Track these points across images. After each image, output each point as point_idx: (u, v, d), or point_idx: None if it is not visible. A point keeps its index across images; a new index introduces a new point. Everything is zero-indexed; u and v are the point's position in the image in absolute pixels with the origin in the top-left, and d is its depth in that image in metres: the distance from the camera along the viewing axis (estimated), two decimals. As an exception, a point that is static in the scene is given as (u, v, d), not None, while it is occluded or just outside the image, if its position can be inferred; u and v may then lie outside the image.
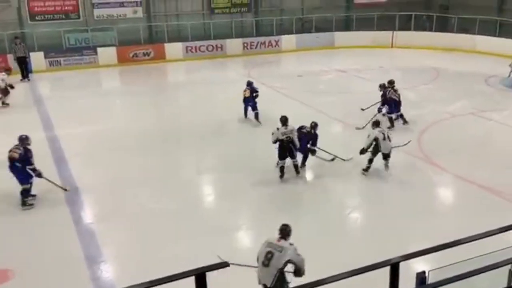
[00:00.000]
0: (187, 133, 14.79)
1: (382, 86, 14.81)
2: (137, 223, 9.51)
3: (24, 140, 10.06)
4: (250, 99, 15.41)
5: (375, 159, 11.40)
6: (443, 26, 27.89)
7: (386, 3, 29.96)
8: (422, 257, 4.21)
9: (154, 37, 26.40)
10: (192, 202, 10.44)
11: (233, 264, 6.90)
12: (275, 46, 27.15)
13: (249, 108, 15.48)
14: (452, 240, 4.01)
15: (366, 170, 11.49)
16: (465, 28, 26.64)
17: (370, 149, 11.32)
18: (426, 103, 17.26)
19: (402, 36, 27.28)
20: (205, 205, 10.84)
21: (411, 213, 9.77)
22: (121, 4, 25.63)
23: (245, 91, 15.44)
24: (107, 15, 25.34)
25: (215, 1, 27.30)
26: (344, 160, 12.16)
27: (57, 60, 23.52)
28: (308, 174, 12.01)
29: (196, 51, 25.74)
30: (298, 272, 5.99)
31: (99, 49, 24.17)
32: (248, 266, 6.43)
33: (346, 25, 29.39)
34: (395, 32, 27.59)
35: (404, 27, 27.94)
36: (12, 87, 17.51)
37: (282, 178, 11.30)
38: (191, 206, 10.23)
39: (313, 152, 11.75)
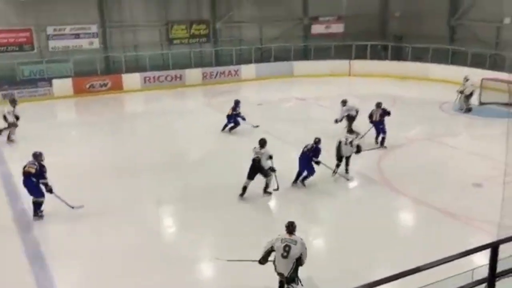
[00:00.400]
0: (146, 164, 14.39)
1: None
2: (95, 259, 9.09)
3: (38, 156, 10.72)
4: (232, 116, 17.45)
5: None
6: (398, 55, 28.71)
7: (342, 33, 30.65)
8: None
9: (111, 67, 26.10)
10: (153, 235, 10.14)
11: (231, 260, 8.07)
12: (234, 75, 27.25)
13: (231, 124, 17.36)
14: (412, 265, 3.94)
15: (334, 172, 12.85)
16: (418, 56, 27.43)
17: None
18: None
19: (359, 64, 27.86)
20: (166, 237, 10.55)
21: (371, 237, 9.74)
22: (77, 36, 25.33)
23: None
24: (62, 47, 24.93)
25: (173, 32, 27.29)
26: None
27: (11, 93, 22.80)
28: (270, 202, 11.91)
29: (154, 81, 25.53)
30: (302, 262, 7.19)
31: (54, 81, 23.66)
32: (246, 260, 7.54)
33: (304, 55, 29.87)
34: (351, 61, 28.16)
35: (360, 56, 28.56)
36: (17, 118, 16.57)
37: (242, 197, 11.58)
38: (152, 239, 9.93)
39: (318, 163, 12.35)
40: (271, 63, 28.18)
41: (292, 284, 7.22)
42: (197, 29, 27.84)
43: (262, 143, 11.92)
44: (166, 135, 17.56)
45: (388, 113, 15.51)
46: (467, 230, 10.05)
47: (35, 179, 10.44)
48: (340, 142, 12.86)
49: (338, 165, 12.90)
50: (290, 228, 7.31)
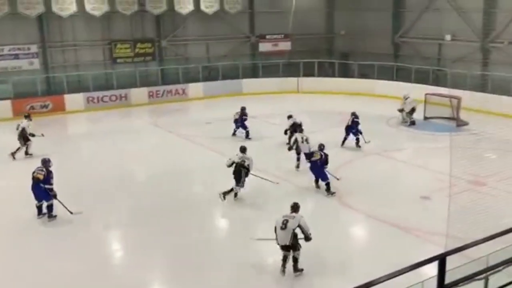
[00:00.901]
0: (91, 187, 13.88)
1: (289, 117, 16.99)
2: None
3: (47, 162, 11.46)
4: (239, 121, 18.79)
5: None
6: (345, 72, 29.10)
7: (290, 51, 30.81)
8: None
9: (53, 88, 25.18)
10: (100, 260, 9.70)
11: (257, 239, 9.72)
12: (182, 94, 26.78)
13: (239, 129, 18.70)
14: (364, 279, 3.82)
15: (297, 166, 14.65)
16: (365, 73, 27.88)
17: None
18: (332, 145, 17.38)
19: (307, 82, 28.01)
20: (114, 262, 10.12)
21: (322, 253, 9.67)
22: (16, 56, 24.35)
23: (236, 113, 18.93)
24: (0, 68, 23.87)
25: (117, 51, 26.64)
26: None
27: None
28: (216, 221, 11.92)
29: (98, 101, 24.75)
30: (307, 236, 8.70)
31: (-8, 103, 22.52)
32: (269, 239, 8.95)
33: (252, 72, 29.78)
34: (300, 78, 28.27)
35: (308, 73, 28.75)
36: (33, 135, 16.64)
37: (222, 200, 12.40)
38: (99, 264, 9.51)
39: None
40: (219, 81, 27.91)
41: (296, 252, 8.70)
42: (141, 47, 27.28)
43: (243, 149, 12.97)
44: (111, 156, 17.07)
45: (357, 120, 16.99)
46: (417, 243, 10.14)
47: (43, 185, 11.13)
48: (296, 141, 14.48)
49: (298, 159, 14.72)
50: (294, 207, 8.98)
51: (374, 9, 29.23)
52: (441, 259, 4.04)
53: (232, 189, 12.51)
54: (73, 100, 24.22)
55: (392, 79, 26.66)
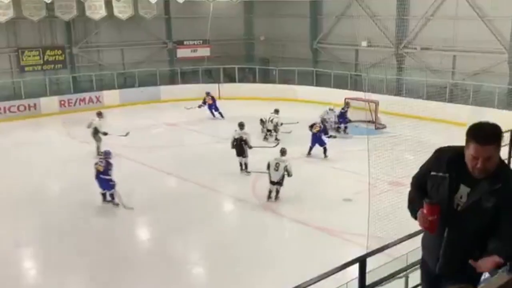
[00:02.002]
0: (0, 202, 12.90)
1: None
2: None
3: (108, 154, 12.48)
4: (213, 105, 21.06)
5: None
6: (266, 77, 29.10)
7: (208, 57, 30.35)
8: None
9: (-47, 99, 23.15)
10: (10, 281, 8.98)
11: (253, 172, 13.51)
12: (96, 102, 25.52)
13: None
14: (292, 284, 3.80)
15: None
16: (286, 78, 27.98)
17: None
18: (256, 151, 17.20)
19: (227, 88, 27.65)
20: (26, 282, 9.47)
21: (248, 260, 9.73)
22: None
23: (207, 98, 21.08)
24: None
25: (25, 59, 25.00)
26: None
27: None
28: (142, 236, 11.58)
29: (5, 112, 23.09)
30: (290, 174, 12.42)
31: None
32: (262, 172, 12.78)
33: (171, 79, 29.03)
34: (220, 84, 27.90)
35: (228, 79, 28.43)
36: (105, 134, 16.91)
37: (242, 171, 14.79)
38: (9, 285, 8.88)
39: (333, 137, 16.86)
40: (136, 88, 26.94)
41: (280, 186, 12.38)
42: (51, 55, 25.75)
43: (241, 125, 15.03)
44: (20, 169, 16.01)
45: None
46: (342, 245, 10.39)
47: (103, 176, 12.13)
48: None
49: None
50: (282, 152, 12.78)
51: (292, 15, 29.48)
52: (361, 261, 4.11)
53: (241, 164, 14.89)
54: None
55: (312, 84, 26.95)
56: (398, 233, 4.76)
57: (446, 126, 18.96)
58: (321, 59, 29.46)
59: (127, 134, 17.51)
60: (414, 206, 3.19)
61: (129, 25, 27.32)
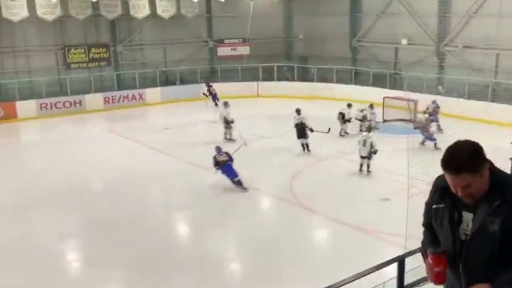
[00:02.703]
0: (46, 196, 13.39)
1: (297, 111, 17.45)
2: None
3: (220, 148, 13.93)
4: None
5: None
6: (304, 76, 29.15)
7: (248, 55, 30.68)
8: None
9: (4, 95, 24.29)
10: (53, 272, 9.33)
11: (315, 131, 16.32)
12: (139, 99, 26.24)
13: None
14: (326, 283, 3.87)
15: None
16: (324, 77, 27.98)
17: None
18: (294, 149, 17.43)
19: (266, 86, 27.91)
20: (69, 274, 9.78)
21: (284, 258, 9.74)
22: (-36, 63, 23.31)
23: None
24: None
25: (71, 56, 25.87)
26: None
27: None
28: (179, 231, 11.76)
29: (51, 108, 23.96)
30: (374, 148, 14.25)
31: None
32: (323, 132, 16.18)
33: (211, 77, 29.45)
34: (259, 82, 28.15)
35: (268, 77, 28.66)
36: (232, 121, 18.62)
37: (304, 151, 16.53)
38: (53, 276, 9.16)
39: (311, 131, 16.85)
40: (177, 86, 27.50)
41: (367, 160, 14.28)
42: (96, 52, 26.55)
43: (298, 110, 16.89)
44: (65, 164, 16.51)
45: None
46: (378, 244, 10.25)
47: (230, 163, 13.28)
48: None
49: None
50: (369, 129, 15.35)
51: (331, 14, 29.44)
52: (400, 261, 4.08)
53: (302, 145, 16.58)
54: (25, 107, 23.36)
55: (350, 83, 26.88)
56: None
57: (489, 126, 18.64)
58: (360, 57, 29.30)
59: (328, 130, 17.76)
60: (422, 251, 2.89)
61: (171, 24, 27.87)
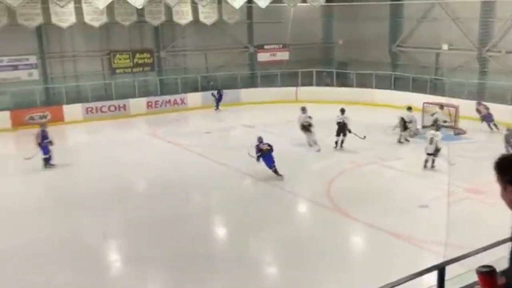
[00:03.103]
0: (90, 197, 13.88)
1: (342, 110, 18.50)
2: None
3: (262, 138, 15.03)
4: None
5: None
6: (343, 81, 29.17)
7: (288, 60, 30.94)
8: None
9: (52, 99, 25.23)
10: (97, 271, 9.69)
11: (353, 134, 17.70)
12: (181, 104, 26.85)
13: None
14: None
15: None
16: (363, 82, 27.96)
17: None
18: (331, 154, 17.57)
19: (305, 91, 28.07)
20: (112, 272, 10.13)
21: (321, 262, 9.73)
22: (15, 67, 24.34)
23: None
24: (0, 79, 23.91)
25: (116, 61, 26.71)
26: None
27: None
28: (217, 234, 11.84)
29: (97, 111, 24.78)
30: (439, 147, 15.15)
31: (-9, 114, 22.56)
32: (359, 137, 17.50)
33: (251, 82, 29.88)
34: (298, 88, 28.36)
35: (307, 83, 28.82)
36: (310, 125, 18.45)
37: (336, 148, 17.69)
38: (96, 275, 9.50)
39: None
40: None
41: (433, 157, 15.16)
42: (140, 58, 27.31)
43: (343, 110, 18.06)
44: (109, 166, 17.03)
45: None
46: (415, 252, 10.11)
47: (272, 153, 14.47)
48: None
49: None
50: (438, 127, 16.08)
51: (371, 19, 29.36)
52: (441, 269, 3.97)
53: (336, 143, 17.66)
54: (72, 110, 24.27)
55: (390, 88, 26.76)
56: (476, 243, 4.44)
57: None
58: (400, 62, 29.12)
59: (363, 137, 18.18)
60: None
61: (213, 30, 28.37)
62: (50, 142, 16.76)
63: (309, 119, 18.24)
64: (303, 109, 18.29)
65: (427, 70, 26.71)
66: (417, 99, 22.71)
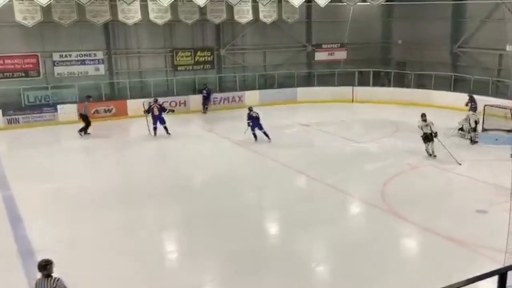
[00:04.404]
0: (150, 190, 14.40)
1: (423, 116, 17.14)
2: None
3: (252, 108, 18.40)
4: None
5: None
6: (401, 81, 28.86)
7: (345, 60, 30.92)
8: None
9: (116, 93, 26.28)
10: (156, 262, 10.09)
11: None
12: (238, 101, 27.38)
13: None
14: None
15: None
16: (421, 83, 27.58)
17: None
18: (386, 155, 17.57)
19: (362, 91, 27.99)
20: (169, 263, 10.52)
21: (376, 265, 9.70)
22: (83, 62, 25.50)
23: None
24: (68, 73, 25.14)
25: (178, 59, 27.54)
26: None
27: (16, 118, 23.03)
28: (270, 230, 12.06)
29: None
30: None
31: (59, 106, 23.81)
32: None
33: (308, 81, 30.06)
34: (354, 87, 28.31)
35: (363, 82, 28.72)
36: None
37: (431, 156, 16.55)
38: (156, 266, 9.89)
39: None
40: (274, 89, 28.42)
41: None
42: (201, 55, 28.02)
43: (424, 115, 16.73)
44: (170, 160, 17.74)
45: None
46: (472, 257, 9.98)
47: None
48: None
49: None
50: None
51: (432, 19, 28.87)
52: (502, 274, 3.88)
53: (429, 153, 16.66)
54: (135, 105, 25.16)
55: (449, 90, 26.26)
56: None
57: None
58: (460, 63, 28.49)
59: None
60: None
61: (272, 29, 28.77)
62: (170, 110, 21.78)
63: (429, 127, 16.86)
64: (423, 116, 16.87)
65: (489, 72, 26.05)
66: (478, 101, 22.24)
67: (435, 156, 16.60)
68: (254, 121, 19.37)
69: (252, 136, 19.46)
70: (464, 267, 9.14)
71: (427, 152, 16.81)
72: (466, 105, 21.97)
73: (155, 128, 20.94)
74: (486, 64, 26.82)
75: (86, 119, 21.56)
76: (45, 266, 6.95)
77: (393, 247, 10.69)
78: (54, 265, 6.94)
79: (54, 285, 6.84)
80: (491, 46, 26.18)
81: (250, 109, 19.71)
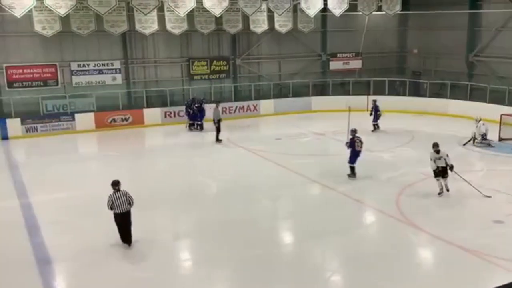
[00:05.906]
0: (165, 198, 14.54)
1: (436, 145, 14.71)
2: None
3: (354, 132, 15.92)
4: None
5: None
6: (416, 90, 28.77)
7: (360, 69, 30.94)
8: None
9: (133, 102, 26.58)
10: (169, 270, 10.15)
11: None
12: (253, 110, 27.56)
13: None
14: None
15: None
16: (437, 92, 27.48)
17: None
18: (401, 164, 17.53)
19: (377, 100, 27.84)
20: (182, 272, 10.57)
21: (391, 275, 9.68)
22: (100, 72, 25.85)
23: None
24: (85, 82, 25.51)
25: (194, 68, 27.81)
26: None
27: (34, 126, 23.42)
28: (283, 239, 12.03)
29: (175, 116, 25.92)
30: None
31: (76, 115, 24.19)
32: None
33: (322, 90, 30.12)
34: (369, 96, 28.22)
35: (378, 92, 28.71)
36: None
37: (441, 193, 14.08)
38: (169, 274, 9.95)
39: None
40: (289, 99, 28.51)
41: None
42: (217, 65, 28.27)
43: (436, 145, 13.97)
44: (184, 169, 17.81)
45: None
46: (487, 267, 9.89)
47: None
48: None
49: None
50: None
51: (448, 28, 28.83)
52: None
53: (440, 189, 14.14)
54: (151, 114, 25.54)
55: (465, 99, 26.12)
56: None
57: None
58: (476, 72, 28.35)
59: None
60: None
61: (287, 38, 28.97)
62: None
63: (443, 160, 14.03)
64: (435, 146, 14.01)
65: (506, 81, 25.89)
66: (494, 110, 22.13)
67: (448, 190, 14.21)
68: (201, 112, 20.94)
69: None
70: (479, 278, 9.11)
71: (439, 187, 14.16)
72: (371, 114, 23.26)
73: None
74: (502, 73, 26.65)
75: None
76: (118, 183, 10.96)
77: (408, 257, 10.64)
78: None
79: (125, 193, 10.89)
80: (508, 55, 26.04)
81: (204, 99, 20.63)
